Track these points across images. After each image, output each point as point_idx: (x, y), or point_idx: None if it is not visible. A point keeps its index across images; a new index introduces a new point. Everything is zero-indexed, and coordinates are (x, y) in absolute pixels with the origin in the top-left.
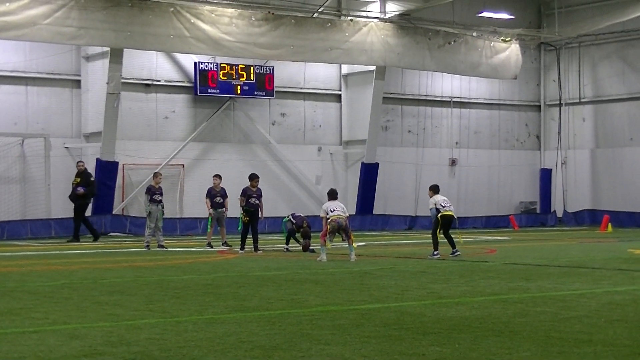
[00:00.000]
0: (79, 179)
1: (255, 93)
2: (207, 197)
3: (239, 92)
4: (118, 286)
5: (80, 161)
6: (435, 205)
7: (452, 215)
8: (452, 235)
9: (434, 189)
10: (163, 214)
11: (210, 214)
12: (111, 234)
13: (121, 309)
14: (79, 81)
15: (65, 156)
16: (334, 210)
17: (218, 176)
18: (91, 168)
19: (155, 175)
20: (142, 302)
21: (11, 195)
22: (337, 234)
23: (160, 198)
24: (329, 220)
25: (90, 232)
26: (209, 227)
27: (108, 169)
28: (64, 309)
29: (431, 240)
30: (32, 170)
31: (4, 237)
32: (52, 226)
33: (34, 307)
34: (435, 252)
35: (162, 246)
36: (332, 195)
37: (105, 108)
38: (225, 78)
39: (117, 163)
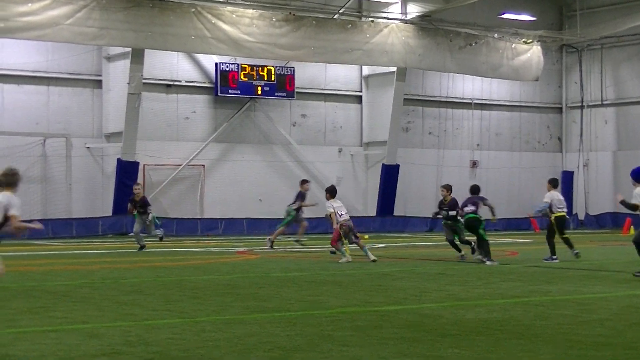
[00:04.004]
0: None
1: (276, 94)
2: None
3: (259, 92)
4: (137, 286)
5: None
6: (551, 201)
7: (564, 216)
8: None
9: (553, 183)
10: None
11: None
12: (131, 234)
13: (140, 309)
14: (100, 81)
15: (86, 156)
16: (343, 214)
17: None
18: (112, 168)
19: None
20: (161, 302)
21: (32, 194)
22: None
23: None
24: (339, 225)
25: None
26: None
27: (129, 169)
28: (83, 308)
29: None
30: (53, 170)
31: (24, 236)
32: (73, 226)
33: (53, 306)
34: (554, 257)
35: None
36: (334, 192)
37: (126, 108)
38: (246, 79)
39: (137, 163)
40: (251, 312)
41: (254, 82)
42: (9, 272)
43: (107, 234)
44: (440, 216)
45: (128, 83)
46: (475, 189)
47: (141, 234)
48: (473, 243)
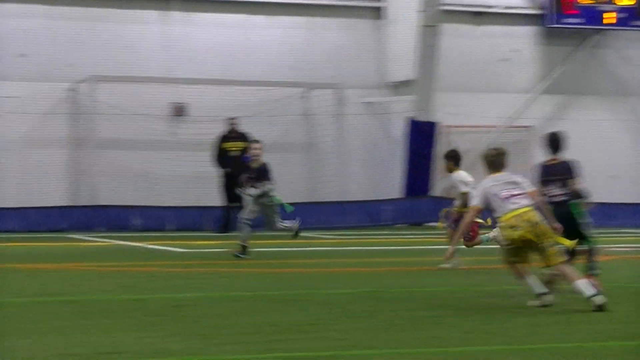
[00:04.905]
0: (244, 144)
1: (636, 23)
2: None
3: (610, 22)
4: (441, 298)
5: (231, 119)
6: None
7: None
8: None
9: None
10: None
11: None
12: (428, 224)
13: (444, 330)
14: (381, 9)
15: (365, 114)
16: None
17: None
18: (400, 130)
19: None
20: (472, 321)
21: (295, 167)
22: None
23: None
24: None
25: (225, 224)
26: None
27: (423, 132)
28: (366, 327)
29: None
30: (321, 134)
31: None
32: (347, 212)
33: (330, 323)
34: None
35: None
36: (459, 160)
37: (418, 47)
38: (591, 2)
39: (435, 124)
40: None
41: (602, 7)
42: (270, 275)
43: (394, 224)
44: None
45: (420, 11)
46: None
47: (249, 227)
48: None
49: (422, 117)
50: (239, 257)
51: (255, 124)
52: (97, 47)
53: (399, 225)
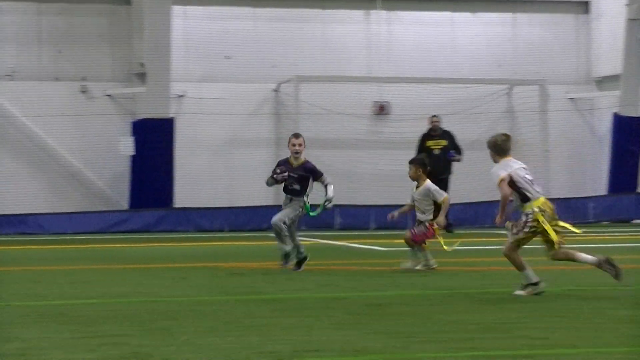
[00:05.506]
0: (444, 142)
1: None
2: None
3: None
4: None
5: (434, 117)
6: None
7: None
8: None
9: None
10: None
11: None
12: (634, 221)
13: None
14: (587, 4)
15: (569, 110)
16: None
17: None
18: (606, 126)
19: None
20: None
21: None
22: None
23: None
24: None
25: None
26: None
27: (630, 128)
28: (568, 325)
29: None
30: (522, 130)
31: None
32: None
33: (531, 322)
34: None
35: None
36: (426, 166)
37: (624, 41)
38: None
39: None
40: None
41: None
42: (470, 273)
43: (599, 221)
44: None
45: (627, 5)
46: None
47: (287, 231)
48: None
49: (628, 113)
50: (284, 265)
51: (457, 121)
52: (300, 48)
53: (604, 222)
